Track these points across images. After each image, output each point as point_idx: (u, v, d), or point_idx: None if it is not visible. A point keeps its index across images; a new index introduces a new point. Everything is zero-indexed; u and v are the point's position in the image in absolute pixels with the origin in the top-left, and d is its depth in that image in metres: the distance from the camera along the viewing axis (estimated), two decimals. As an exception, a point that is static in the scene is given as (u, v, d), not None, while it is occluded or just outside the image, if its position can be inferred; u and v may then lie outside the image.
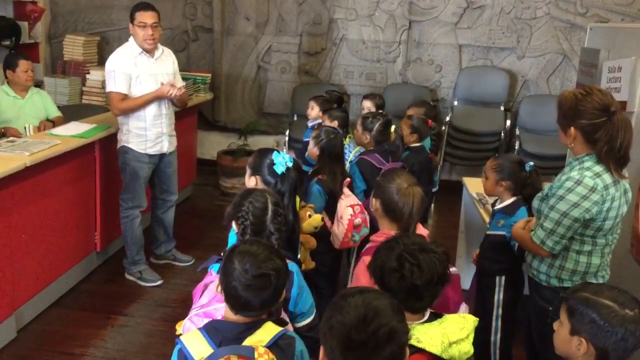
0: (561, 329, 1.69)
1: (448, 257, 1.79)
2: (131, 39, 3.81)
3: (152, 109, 3.84)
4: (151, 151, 3.91)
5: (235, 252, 1.73)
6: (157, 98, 3.83)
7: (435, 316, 1.76)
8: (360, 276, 2.16)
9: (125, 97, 3.73)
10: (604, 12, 5.75)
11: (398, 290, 1.69)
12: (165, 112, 3.94)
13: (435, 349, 1.62)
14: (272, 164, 2.53)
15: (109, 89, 3.74)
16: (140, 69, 3.76)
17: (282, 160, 2.55)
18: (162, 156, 4.00)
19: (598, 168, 2.22)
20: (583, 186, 2.19)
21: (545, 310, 2.31)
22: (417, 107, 4.55)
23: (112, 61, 3.75)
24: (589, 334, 1.61)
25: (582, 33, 5.58)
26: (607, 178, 2.22)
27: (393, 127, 3.63)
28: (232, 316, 1.72)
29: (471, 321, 1.73)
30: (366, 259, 2.18)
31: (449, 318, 1.73)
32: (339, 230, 2.94)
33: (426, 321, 1.73)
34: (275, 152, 2.59)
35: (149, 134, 3.86)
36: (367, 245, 2.35)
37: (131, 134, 3.83)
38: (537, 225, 2.36)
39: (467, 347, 1.69)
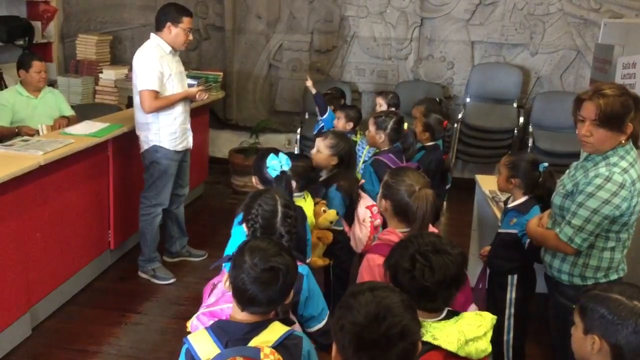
0: (576, 331, 1.68)
1: (464, 259, 1.76)
2: (156, 37, 3.84)
3: (180, 105, 3.93)
4: (179, 147, 3.98)
5: (246, 247, 1.74)
6: (185, 98, 3.93)
7: (452, 314, 1.74)
8: (365, 274, 2.16)
9: (157, 94, 3.77)
10: (617, 8, 5.69)
11: (409, 290, 1.67)
12: (189, 108, 4.07)
13: (451, 346, 1.61)
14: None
15: (143, 87, 3.72)
16: (170, 68, 3.84)
17: (277, 164, 2.51)
18: (184, 152, 4.07)
19: (624, 163, 2.24)
20: (613, 182, 2.20)
21: (568, 308, 2.28)
22: (418, 105, 4.49)
23: (145, 59, 3.75)
24: (600, 330, 1.59)
25: (596, 29, 5.53)
26: (634, 173, 2.24)
27: (406, 125, 3.61)
28: (238, 315, 1.72)
29: (489, 319, 1.72)
30: (370, 257, 2.18)
31: (465, 316, 1.72)
32: (363, 233, 2.87)
33: (443, 319, 1.71)
34: (271, 155, 2.55)
35: (178, 131, 3.93)
36: (374, 243, 2.32)
37: (162, 132, 3.87)
38: (563, 222, 2.34)
39: (485, 345, 1.67)
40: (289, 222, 2.12)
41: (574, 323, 1.70)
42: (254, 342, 1.66)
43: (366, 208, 2.92)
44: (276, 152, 2.59)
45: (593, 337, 1.61)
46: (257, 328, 1.69)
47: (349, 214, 3.03)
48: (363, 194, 3.02)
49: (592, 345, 1.61)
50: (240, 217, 2.20)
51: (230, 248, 2.37)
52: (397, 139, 3.49)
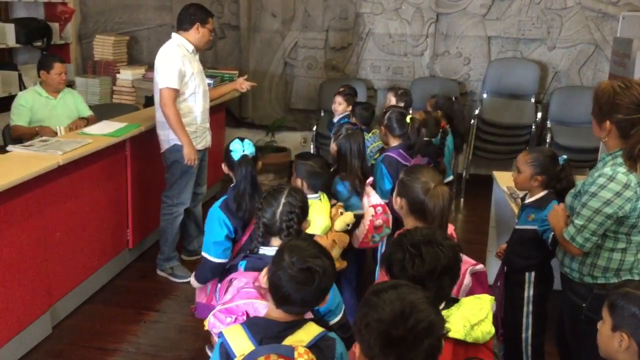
0: (603, 327, 1.67)
1: (455, 251, 1.76)
2: (178, 36, 3.88)
3: (200, 104, 3.94)
4: (200, 146, 3.99)
5: (287, 245, 1.76)
6: (189, 145, 3.82)
7: (452, 302, 1.74)
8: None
9: (177, 93, 3.79)
10: (637, 1, 5.62)
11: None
12: (208, 107, 4.08)
13: (458, 334, 1.60)
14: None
15: (163, 84, 3.74)
16: (193, 67, 3.87)
17: (240, 148, 2.68)
18: (204, 151, 4.10)
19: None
20: (616, 182, 2.14)
21: (579, 307, 2.27)
22: (431, 98, 4.46)
23: (168, 57, 3.78)
24: (630, 329, 1.59)
25: (614, 22, 5.47)
26: None
27: (409, 118, 3.56)
28: (274, 313, 1.73)
29: (487, 300, 1.71)
30: None
31: (465, 301, 1.72)
32: (359, 230, 2.90)
33: (443, 308, 1.70)
34: (236, 139, 2.71)
35: (198, 130, 3.96)
36: None
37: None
38: (569, 222, 2.31)
39: (489, 327, 1.67)
40: (289, 217, 2.16)
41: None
42: (288, 341, 1.66)
43: (371, 206, 2.92)
44: (242, 139, 2.76)
45: (622, 335, 1.60)
46: (292, 327, 1.70)
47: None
48: (371, 192, 3.01)
49: (620, 342, 1.60)
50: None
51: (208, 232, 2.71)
52: (403, 135, 3.49)
